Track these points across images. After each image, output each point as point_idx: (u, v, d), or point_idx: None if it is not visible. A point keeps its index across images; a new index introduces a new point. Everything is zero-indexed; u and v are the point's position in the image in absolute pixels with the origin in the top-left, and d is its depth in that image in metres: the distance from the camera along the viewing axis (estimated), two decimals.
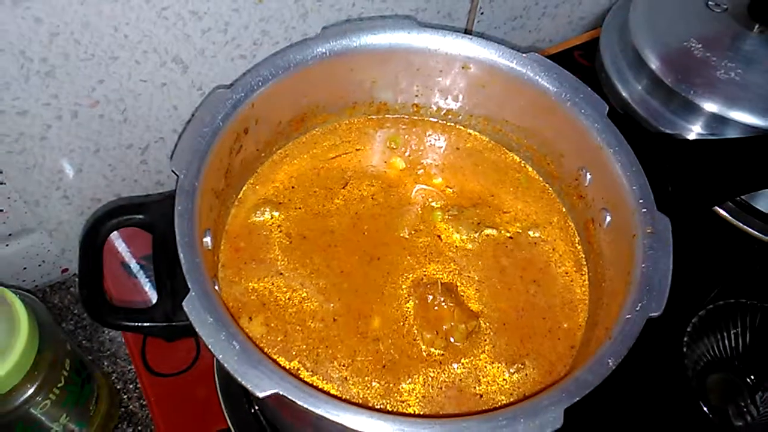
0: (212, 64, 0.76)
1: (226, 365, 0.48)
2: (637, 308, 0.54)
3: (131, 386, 0.81)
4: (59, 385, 0.66)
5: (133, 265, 0.84)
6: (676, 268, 0.57)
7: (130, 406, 0.80)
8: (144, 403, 0.80)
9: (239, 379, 0.48)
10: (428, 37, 0.69)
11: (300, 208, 0.71)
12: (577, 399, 0.49)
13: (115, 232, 0.69)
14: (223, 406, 0.73)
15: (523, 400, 0.52)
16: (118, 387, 0.81)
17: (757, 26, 0.84)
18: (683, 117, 0.81)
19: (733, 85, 0.79)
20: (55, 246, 0.85)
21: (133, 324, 0.54)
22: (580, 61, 1.01)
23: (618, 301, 0.58)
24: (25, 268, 0.85)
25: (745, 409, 0.76)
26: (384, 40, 0.69)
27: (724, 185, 0.70)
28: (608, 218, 0.65)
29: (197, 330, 0.49)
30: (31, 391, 0.63)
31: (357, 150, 0.76)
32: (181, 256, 0.52)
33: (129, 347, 0.80)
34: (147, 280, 0.82)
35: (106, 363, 0.83)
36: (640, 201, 0.60)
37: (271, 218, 0.69)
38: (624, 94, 0.87)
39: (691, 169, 0.68)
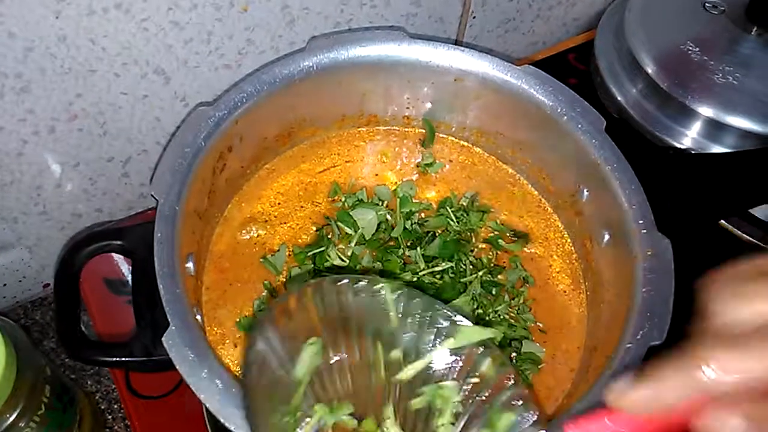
0: (196, 75, 0.73)
1: (208, 405, 0.46)
2: (638, 336, 0.52)
3: (116, 406, 0.79)
4: (40, 411, 0.64)
5: (126, 273, 0.81)
6: (678, 284, 0.55)
7: (115, 427, 0.78)
8: (129, 423, 0.77)
9: (222, 421, 0.46)
10: (419, 49, 0.67)
11: (287, 224, 0.68)
12: None
13: None
14: (209, 428, 0.71)
15: None
16: (103, 407, 0.79)
17: (755, 29, 0.82)
18: (679, 122, 0.79)
19: (731, 89, 0.77)
20: (36, 262, 0.82)
21: (111, 359, 0.52)
22: (574, 65, 0.98)
23: (618, 324, 0.56)
24: (5, 285, 0.83)
25: None
26: (373, 53, 0.66)
27: (730, 199, 0.68)
28: (606, 237, 0.63)
29: (178, 367, 0.47)
30: (11, 418, 0.61)
31: (347, 163, 0.73)
32: (160, 287, 0.50)
33: (112, 369, 0.77)
34: None
35: (89, 382, 0.80)
36: (640, 221, 0.58)
37: (258, 236, 0.67)
38: (619, 98, 0.84)
39: (695, 183, 0.66)
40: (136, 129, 0.75)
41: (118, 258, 0.81)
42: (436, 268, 0.64)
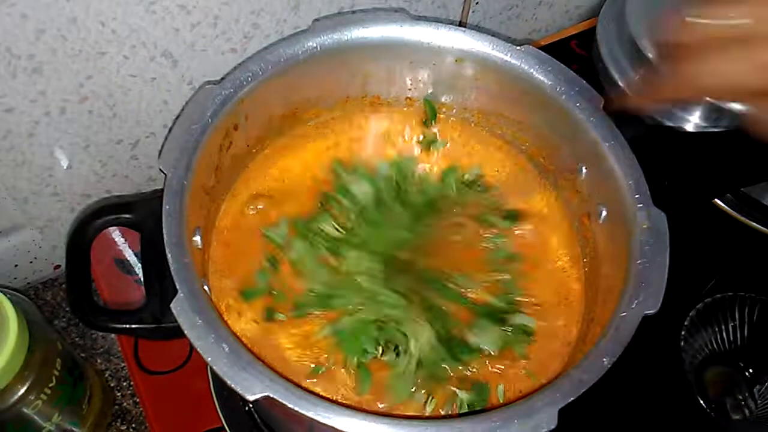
0: (202, 58, 0.75)
1: (215, 368, 0.48)
2: (633, 305, 0.53)
3: (125, 383, 0.81)
4: (51, 384, 0.65)
5: (130, 257, 0.83)
6: (673, 261, 0.56)
7: (124, 404, 0.80)
8: (138, 400, 0.79)
9: (229, 382, 0.47)
10: (421, 30, 0.68)
11: (291, 200, 0.70)
12: (572, 399, 0.49)
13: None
14: (216, 404, 0.72)
15: (518, 400, 0.51)
16: (112, 384, 0.81)
17: None
18: (681, 107, 0.80)
19: None
20: (47, 243, 0.84)
21: (121, 326, 0.53)
22: (576, 51, 1.00)
23: (614, 296, 0.57)
24: (16, 266, 0.84)
25: (743, 403, 0.75)
26: (376, 34, 0.67)
27: (724, 178, 0.68)
28: (604, 213, 0.64)
29: (186, 332, 0.49)
30: (22, 391, 0.62)
31: (350, 142, 0.75)
32: (169, 256, 0.51)
33: (121, 345, 0.79)
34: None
35: (99, 360, 0.82)
36: (636, 196, 0.59)
37: (263, 212, 0.69)
38: (621, 84, 0.85)
39: (690, 162, 0.67)
40: (144, 112, 0.77)
41: (121, 244, 0.83)
42: None
